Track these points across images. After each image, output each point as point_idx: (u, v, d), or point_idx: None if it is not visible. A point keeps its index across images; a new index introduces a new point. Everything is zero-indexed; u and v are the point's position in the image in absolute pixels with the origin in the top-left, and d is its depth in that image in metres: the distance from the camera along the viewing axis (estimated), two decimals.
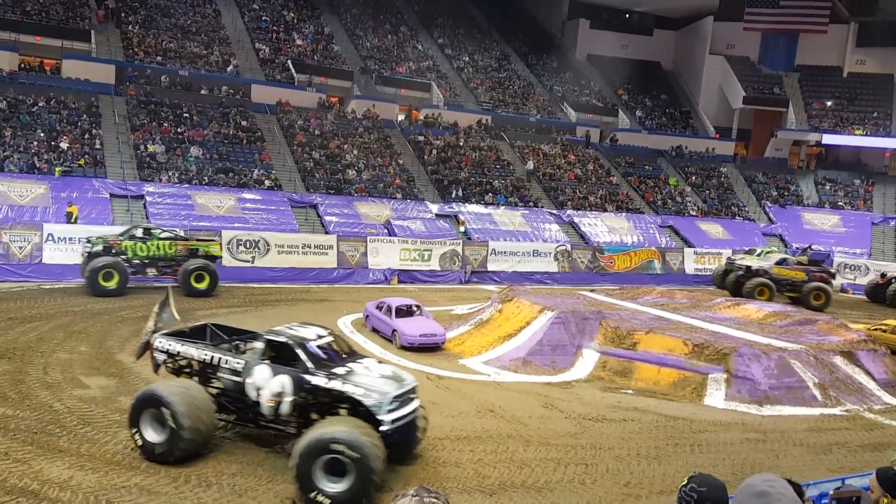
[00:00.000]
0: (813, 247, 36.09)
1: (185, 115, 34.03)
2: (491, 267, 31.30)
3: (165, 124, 32.94)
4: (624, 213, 38.49)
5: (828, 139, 46.07)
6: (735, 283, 29.26)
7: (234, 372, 10.52)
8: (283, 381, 10.04)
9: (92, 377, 14.04)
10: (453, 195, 35.45)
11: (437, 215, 33.46)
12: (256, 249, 27.12)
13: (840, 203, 43.15)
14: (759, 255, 31.36)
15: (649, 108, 51.25)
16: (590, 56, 52.83)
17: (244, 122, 35.07)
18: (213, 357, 10.80)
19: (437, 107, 42.48)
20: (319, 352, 10.48)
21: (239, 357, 10.73)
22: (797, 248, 36.20)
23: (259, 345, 10.62)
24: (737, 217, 41.42)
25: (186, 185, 29.93)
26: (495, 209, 35.39)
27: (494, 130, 42.43)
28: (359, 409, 9.70)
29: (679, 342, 16.55)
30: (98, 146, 30.39)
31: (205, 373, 10.89)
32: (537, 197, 37.95)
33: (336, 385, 9.87)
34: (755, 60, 52.00)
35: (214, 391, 10.78)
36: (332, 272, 28.10)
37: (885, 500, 3.68)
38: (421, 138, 39.16)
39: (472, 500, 9.66)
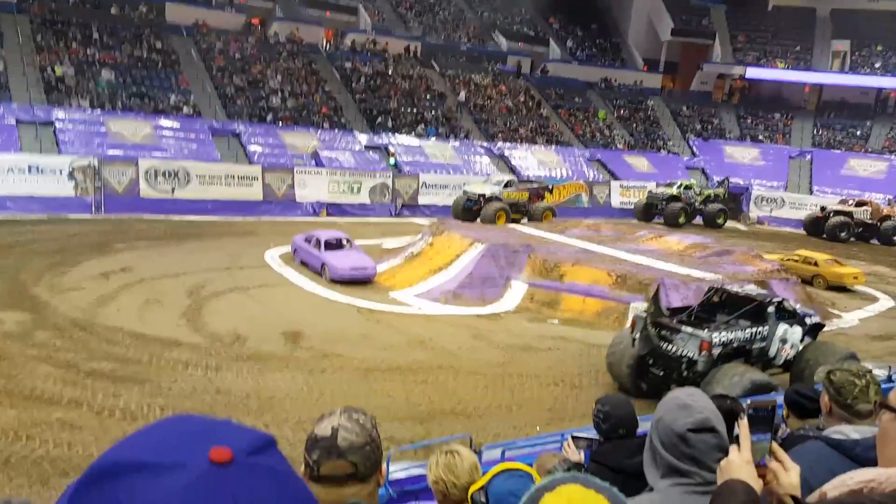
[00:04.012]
0: (731, 179, 37.34)
1: (94, 35, 31.72)
2: (422, 200, 31.13)
3: (74, 45, 30.68)
4: (553, 147, 38.74)
5: (752, 73, 47.14)
6: (467, 210, 27.47)
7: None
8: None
9: (6, 311, 13.42)
10: (382, 125, 34.76)
11: (366, 147, 32.80)
12: (176, 180, 26.04)
13: (760, 137, 44.60)
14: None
15: (580, 39, 51.05)
16: None
17: (159, 44, 33.02)
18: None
19: (365, 32, 41.09)
20: None
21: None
22: (716, 181, 37.38)
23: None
24: (661, 151, 42.35)
25: (99, 111, 28.19)
26: (426, 141, 34.96)
27: (424, 59, 41.51)
28: None
29: (604, 273, 17.05)
30: (0, 68, 28.12)
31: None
32: (468, 129, 37.68)
33: None
34: None
35: None
36: (258, 205, 27.36)
37: (785, 413, 3.96)
38: (348, 65, 37.94)
39: (403, 428, 9.84)
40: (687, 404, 2.00)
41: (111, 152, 26.05)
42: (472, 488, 2.76)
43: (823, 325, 13.02)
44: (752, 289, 13.42)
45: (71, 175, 24.37)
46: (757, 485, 1.48)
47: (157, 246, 20.25)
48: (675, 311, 12.63)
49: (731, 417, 1.96)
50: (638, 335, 11.43)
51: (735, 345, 11.45)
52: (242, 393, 10.71)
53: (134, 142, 27.34)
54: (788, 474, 1.52)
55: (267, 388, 10.99)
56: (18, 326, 12.71)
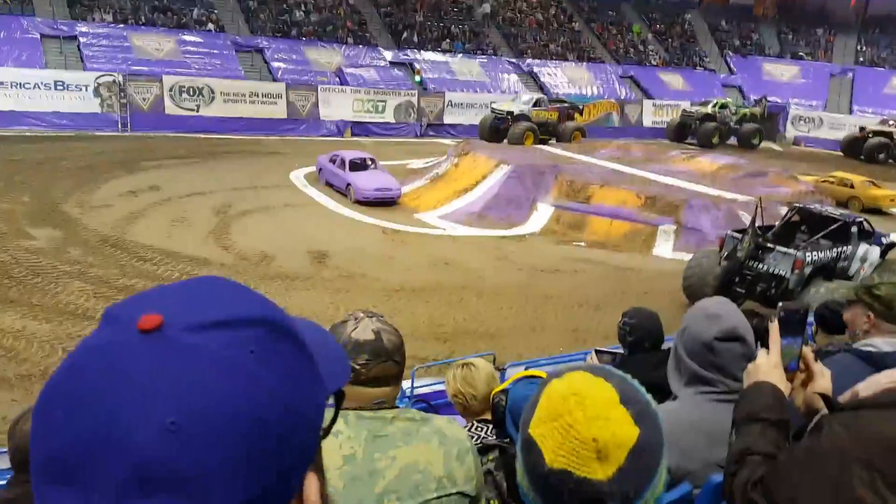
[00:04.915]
0: (768, 98, 36.01)
1: None
2: (448, 119, 30.60)
3: None
4: (585, 63, 37.52)
5: None
6: (495, 129, 26.50)
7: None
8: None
9: (38, 228, 13.68)
10: (407, 40, 33.84)
11: (391, 63, 32.07)
12: (201, 97, 25.84)
13: (801, 54, 42.71)
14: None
15: None
16: None
17: None
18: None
19: None
20: None
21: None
22: (753, 100, 36.12)
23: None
24: (697, 68, 40.84)
25: (122, 26, 27.79)
26: (452, 57, 34.02)
27: None
28: None
29: (632, 195, 16.77)
30: None
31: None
32: (496, 44, 36.54)
33: None
34: None
35: None
36: (282, 123, 27.14)
37: (814, 329, 3.97)
38: None
39: (426, 347, 9.98)
40: (715, 313, 1.98)
41: (135, 68, 25.83)
42: (494, 390, 2.79)
43: (895, 245, 13.00)
44: (832, 209, 13.54)
45: (97, 91, 24.32)
46: (785, 387, 1.46)
47: (183, 164, 20.31)
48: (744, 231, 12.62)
49: (757, 335, 1.93)
50: (745, 246, 11.46)
51: (822, 263, 11.61)
52: None
53: (158, 57, 27.04)
54: (818, 377, 1.50)
55: (294, 306, 11.14)
56: (51, 243, 12.97)
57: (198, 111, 25.76)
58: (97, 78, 24.32)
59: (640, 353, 3.38)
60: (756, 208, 12.03)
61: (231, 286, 0.66)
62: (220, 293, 0.64)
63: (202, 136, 24.63)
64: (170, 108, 25.32)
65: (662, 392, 2.06)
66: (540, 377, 2.68)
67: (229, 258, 13.21)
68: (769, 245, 11.65)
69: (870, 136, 31.23)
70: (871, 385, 1.20)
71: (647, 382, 3.06)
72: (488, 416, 2.87)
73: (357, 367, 1.65)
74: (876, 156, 30.41)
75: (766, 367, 1.48)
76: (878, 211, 20.64)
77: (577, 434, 0.94)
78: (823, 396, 1.40)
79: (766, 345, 1.54)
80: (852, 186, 21.31)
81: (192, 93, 25.69)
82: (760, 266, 11.56)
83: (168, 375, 0.55)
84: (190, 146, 22.98)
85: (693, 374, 1.97)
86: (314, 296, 11.73)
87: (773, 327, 1.53)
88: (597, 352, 3.47)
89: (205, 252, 13.35)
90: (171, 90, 25.28)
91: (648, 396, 1.03)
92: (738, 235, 11.85)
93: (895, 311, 2.59)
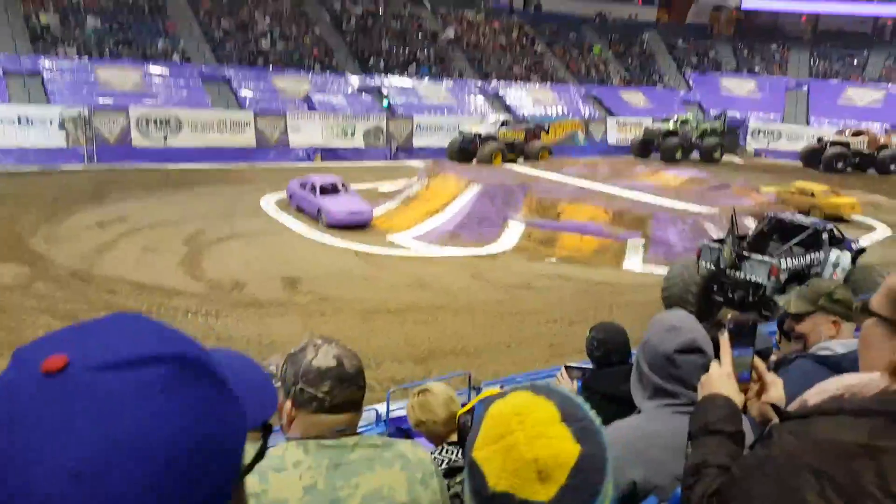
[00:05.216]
0: (728, 112, 36.90)
1: None
2: (417, 143, 30.81)
3: None
4: (549, 84, 38.15)
5: (748, 3, 46.09)
6: (463, 150, 26.59)
7: None
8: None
9: (3, 263, 13.46)
10: (375, 67, 34.13)
11: (358, 89, 32.28)
12: (168, 128, 25.73)
13: (757, 69, 43.90)
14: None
15: None
16: None
17: None
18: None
19: None
20: None
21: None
22: (713, 115, 36.96)
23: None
24: (658, 85, 41.74)
25: (87, 59, 27.64)
26: (419, 81, 34.37)
27: None
28: None
29: (600, 210, 17.07)
30: None
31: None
32: (462, 68, 37.01)
33: None
34: None
35: None
36: (252, 151, 27.09)
37: (778, 337, 4.03)
38: (338, 6, 37.02)
39: (403, 368, 9.99)
40: (675, 326, 2.03)
41: (101, 101, 25.68)
42: (460, 412, 2.82)
43: (864, 250, 13.41)
44: (802, 217, 13.94)
45: (62, 125, 24.08)
46: (738, 398, 1.48)
47: (151, 195, 20.15)
48: (721, 240, 12.89)
49: (717, 346, 1.98)
50: (728, 255, 11.81)
51: (797, 270, 11.92)
52: (243, 339, 10.82)
53: (124, 90, 26.91)
54: (771, 387, 1.52)
55: (267, 333, 11.11)
56: (17, 279, 12.75)
57: (165, 142, 25.62)
58: (62, 112, 24.10)
59: (609, 367, 3.46)
60: (732, 218, 12.37)
61: (145, 323, 0.64)
62: (132, 331, 0.62)
63: (171, 166, 24.45)
64: (137, 139, 25.16)
65: (630, 405, 2.11)
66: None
67: (200, 287, 13.11)
68: (745, 253, 11.97)
69: (827, 146, 32.07)
70: (819, 392, 1.21)
71: (616, 396, 3.16)
72: (455, 438, 2.89)
73: (321, 395, 1.62)
74: (834, 165, 31.20)
75: (719, 378, 1.49)
76: (839, 219, 21.18)
77: (518, 455, 0.93)
78: (774, 406, 1.42)
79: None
80: (813, 195, 21.83)
81: (159, 124, 25.57)
82: (738, 274, 11.87)
83: (71, 418, 0.53)
84: (158, 177, 22.81)
85: (656, 386, 1.99)
86: (288, 322, 11.69)
87: (724, 339, 1.54)
88: (566, 367, 3.54)
89: (175, 282, 13.24)
90: (137, 122, 25.14)
91: (592, 413, 1.01)
92: (716, 245, 12.20)
93: (855, 310, 2.69)
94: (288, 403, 1.66)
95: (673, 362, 1.96)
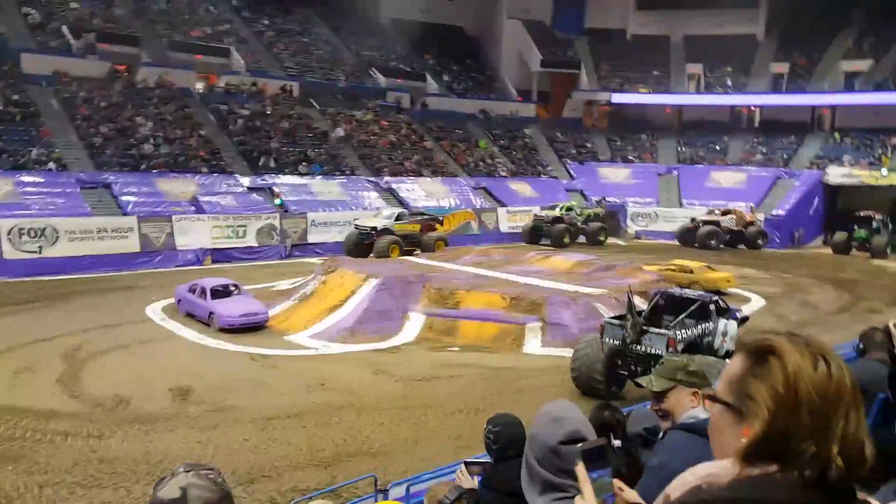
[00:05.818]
0: (607, 199, 39.18)
1: None
2: (312, 239, 30.60)
3: None
4: (440, 178, 39.28)
5: (617, 98, 50.00)
6: (359, 245, 27.45)
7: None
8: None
9: None
10: (265, 165, 34.02)
11: (249, 188, 31.92)
12: (44, 238, 24.29)
13: (630, 157, 47.17)
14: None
15: (456, 73, 52.35)
16: (394, 20, 52.75)
17: (16, 97, 30.96)
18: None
19: (239, 73, 40.33)
20: None
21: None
22: (594, 201, 39.16)
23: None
24: (542, 175, 43.90)
25: None
26: (311, 179, 34.47)
27: (303, 98, 41.19)
28: None
29: (497, 297, 17.35)
30: None
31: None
32: (353, 165, 37.56)
33: None
34: (549, 24, 54.85)
35: None
36: (136, 257, 25.93)
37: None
38: (224, 107, 37.01)
39: (307, 477, 9.49)
40: (558, 417, 2.01)
41: None
42: None
43: (748, 318, 14.25)
44: (690, 291, 14.91)
45: None
46: None
47: (25, 310, 18.74)
48: (621, 317, 13.34)
49: (608, 427, 1.97)
50: (631, 331, 12.34)
51: (691, 340, 12.51)
52: (130, 459, 9.96)
53: None
54: (627, 496, 1.52)
55: (156, 451, 10.29)
56: None
57: (41, 253, 24.10)
58: None
59: (506, 460, 3.37)
60: (629, 297, 12.96)
61: None
62: None
63: (47, 278, 22.96)
64: (8, 252, 23.54)
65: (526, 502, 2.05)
66: None
67: (79, 406, 12.09)
68: (645, 328, 12.53)
69: (700, 225, 34.77)
70: (678, 486, 1.21)
71: (515, 492, 3.07)
72: None
73: None
74: (708, 242, 33.67)
75: None
76: (718, 292, 22.52)
77: None
78: None
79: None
80: (691, 272, 23.19)
81: (33, 234, 24.10)
82: (639, 348, 12.42)
83: None
84: (33, 290, 21.32)
85: (545, 481, 1.96)
86: (179, 437, 10.91)
87: (580, 468, 1.54)
88: (466, 464, 3.45)
89: (52, 403, 12.14)
90: (9, 233, 23.62)
91: None
92: (616, 322, 12.82)
93: (710, 378, 2.83)
94: None
95: (558, 454, 1.94)
